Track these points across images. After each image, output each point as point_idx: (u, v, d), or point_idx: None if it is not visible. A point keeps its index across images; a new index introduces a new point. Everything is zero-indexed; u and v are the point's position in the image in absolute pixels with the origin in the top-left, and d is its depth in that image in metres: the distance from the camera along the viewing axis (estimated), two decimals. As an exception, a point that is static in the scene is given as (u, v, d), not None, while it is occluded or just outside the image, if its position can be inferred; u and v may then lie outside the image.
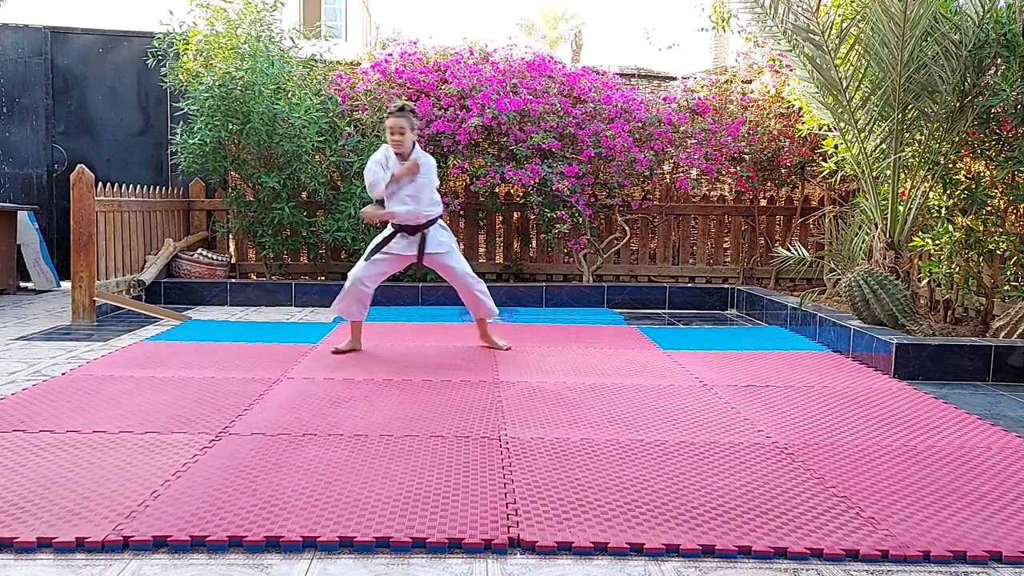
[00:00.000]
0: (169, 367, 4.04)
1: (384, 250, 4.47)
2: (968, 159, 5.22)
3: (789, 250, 5.69)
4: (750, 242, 7.59)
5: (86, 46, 7.57)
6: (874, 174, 5.01)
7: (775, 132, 6.97)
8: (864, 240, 5.22)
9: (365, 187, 6.42)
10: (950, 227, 5.12)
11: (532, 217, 7.34)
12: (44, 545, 2.06)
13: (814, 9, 4.88)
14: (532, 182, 6.65)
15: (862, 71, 4.86)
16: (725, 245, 7.77)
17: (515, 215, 7.54)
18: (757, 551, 2.07)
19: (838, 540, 2.14)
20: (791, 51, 5.06)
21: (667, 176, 7.60)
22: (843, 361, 4.50)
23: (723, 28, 7.38)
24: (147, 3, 9.06)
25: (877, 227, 5.04)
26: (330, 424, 3.08)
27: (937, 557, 2.07)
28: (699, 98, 7.22)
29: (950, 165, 5.02)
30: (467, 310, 4.74)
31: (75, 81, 7.57)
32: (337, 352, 4.47)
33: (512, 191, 7.40)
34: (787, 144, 6.93)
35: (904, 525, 2.24)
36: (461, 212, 7.43)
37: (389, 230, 4.51)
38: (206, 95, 6.31)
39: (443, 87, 6.86)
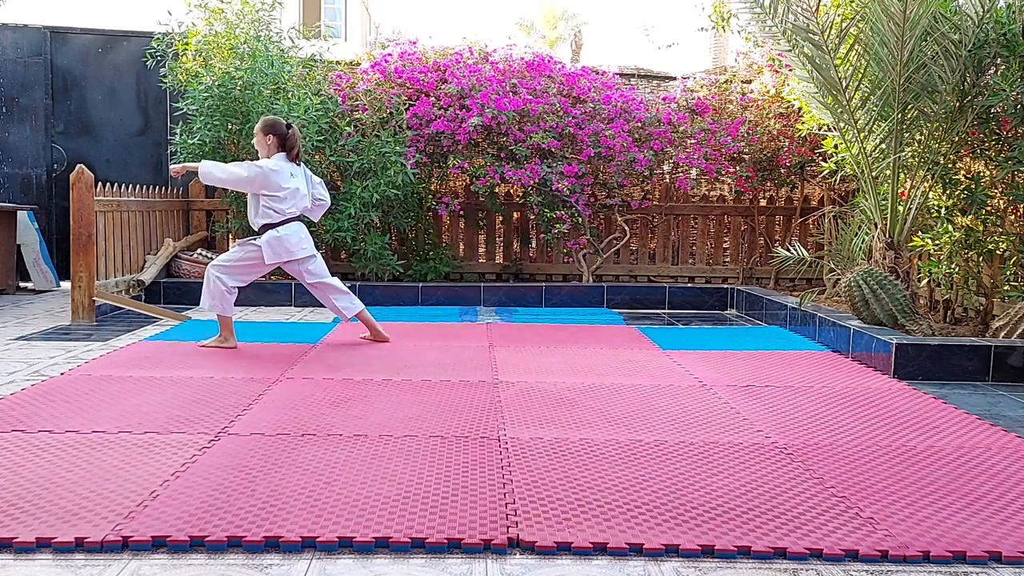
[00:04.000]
0: (168, 367, 4.04)
1: None
2: (968, 159, 5.22)
3: (789, 250, 5.69)
4: (750, 242, 7.59)
5: (85, 46, 7.57)
6: (874, 174, 5.01)
7: (775, 132, 6.97)
8: (864, 240, 5.22)
9: (365, 187, 6.47)
10: (950, 227, 5.11)
11: (532, 217, 7.34)
12: (43, 545, 2.06)
13: (814, 9, 4.88)
14: (532, 182, 6.65)
15: (862, 71, 4.86)
16: (725, 245, 7.76)
17: (515, 215, 7.54)
18: (756, 551, 2.07)
19: (838, 540, 2.13)
20: (791, 51, 5.06)
21: (667, 176, 7.59)
22: (843, 361, 4.49)
23: (723, 28, 7.38)
24: (147, 3, 9.06)
25: (877, 227, 5.04)
26: (329, 424, 3.07)
27: (937, 557, 2.07)
28: (699, 98, 7.22)
29: (950, 165, 5.02)
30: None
31: (74, 81, 7.57)
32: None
33: (512, 191, 7.40)
34: (787, 144, 6.93)
35: (904, 525, 2.24)
36: (461, 212, 7.43)
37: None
38: (205, 95, 6.31)
39: (443, 87, 6.86)
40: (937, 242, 5.20)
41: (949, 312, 5.33)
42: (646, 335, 5.25)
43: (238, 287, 4.62)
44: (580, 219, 6.97)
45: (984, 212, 4.93)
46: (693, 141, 7.07)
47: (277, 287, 6.58)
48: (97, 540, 2.05)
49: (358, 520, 2.19)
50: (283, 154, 4.56)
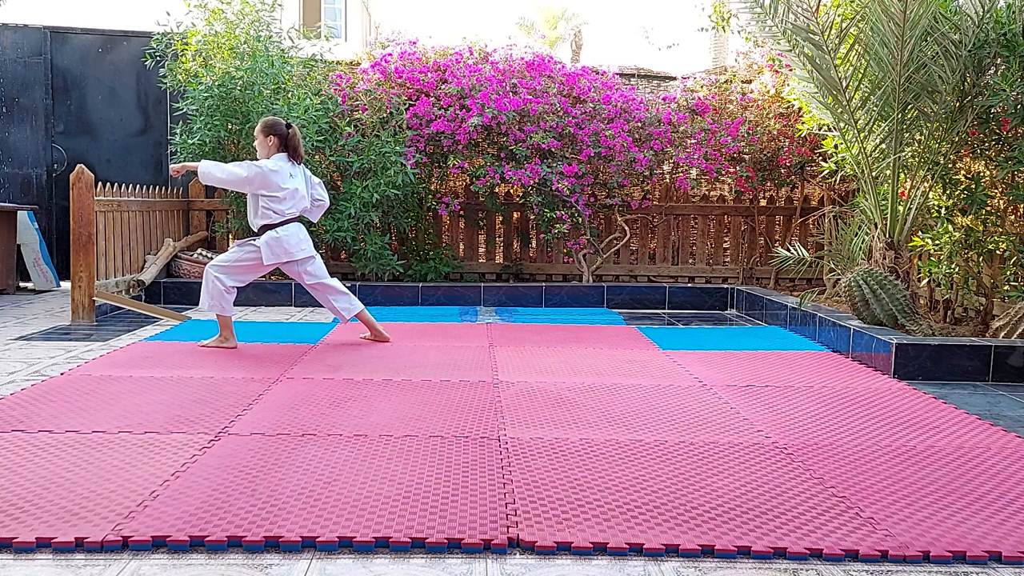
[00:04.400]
0: (168, 367, 4.04)
1: None
2: (968, 159, 5.22)
3: (789, 250, 5.69)
4: (750, 242, 7.59)
5: (85, 46, 7.57)
6: (874, 174, 5.01)
7: (775, 132, 6.97)
8: (864, 240, 5.21)
9: (365, 187, 6.47)
10: (950, 227, 5.12)
11: (532, 217, 7.34)
12: (43, 545, 2.06)
13: (814, 9, 4.88)
14: (532, 182, 6.65)
15: (862, 71, 4.86)
16: (725, 245, 7.76)
17: (515, 215, 7.54)
18: (756, 551, 2.07)
19: (838, 540, 2.13)
20: (791, 51, 5.06)
21: (667, 176, 7.60)
22: (843, 361, 4.49)
23: (723, 28, 7.38)
24: (147, 3, 9.06)
25: (877, 227, 5.04)
26: (329, 424, 3.07)
27: (936, 557, 2.07)
28: (699, 98, 7.22)
29: (950, 165, 5.02)
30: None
31: (75, 81, 7.57)
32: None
33: (512, 191, 7.40)
34: (787, 144, 6.93)
35: (904, 525, 2.24)
36: (461, 212, 7.43)
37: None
38: (205, 95, 6.31)
39: (443, 87, 6.86)
40: (937, 242, 5.20)
41: (949, 312, 5.33)
42: (646, 335, 5.25)
43: (237, 287, 4.62)
44: (580, 219, 6.97)
45: (984, 212, 4.93)
46: (693, 141, 7.07)
47: (277, 287, 6.58)
48: (97, 540, 2.05)
49: (358, 520, 2.19)
50: (283, 154, 4.57)
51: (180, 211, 7.17)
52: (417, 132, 6.75)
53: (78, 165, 5.48)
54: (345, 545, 2.09)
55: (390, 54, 7.09)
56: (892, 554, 2.07)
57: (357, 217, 6.50)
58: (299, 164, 4.65)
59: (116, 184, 6.17)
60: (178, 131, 6.50)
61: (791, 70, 5.64)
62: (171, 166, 4.59)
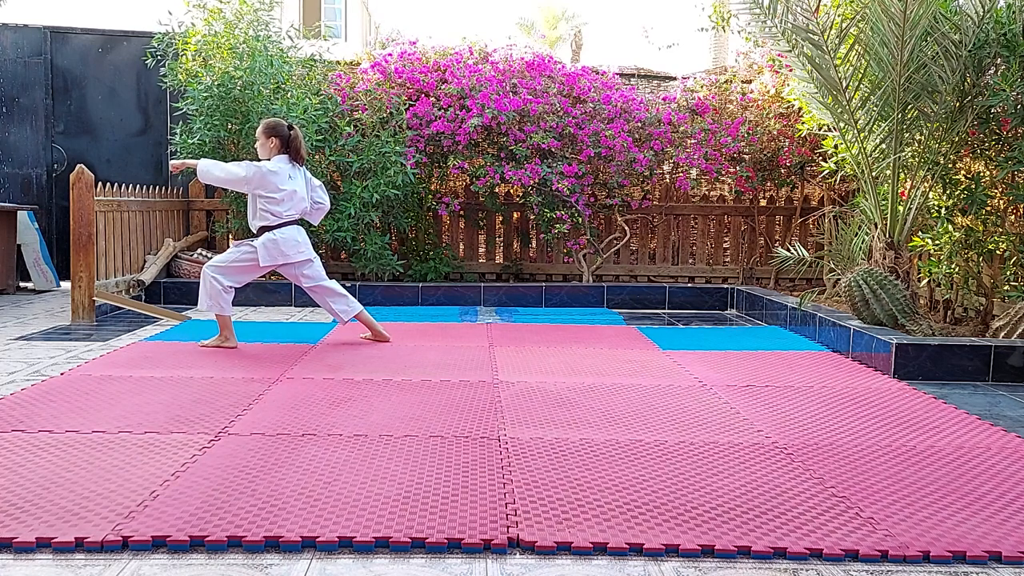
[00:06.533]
0: (168, 367, 4.04)
1: None
2: (968, 159, 5.22)
3: (789, 250, 5.69)
4: (750, 242, 7.59)
5: (85, 46, 7.57)
6: (874, 174, 5.01)
7: (775, 132, 6.97)
8: (864, 240, 5.21)
9: (365, 187, 6.47)
10: (950, 227, 5.12)
11: (532, 217, 7.34)
12: (43, 545, 2.06)
13: (814, 9, 4.88)
14: (532, 182, 6.65)
15: (862, 71, 4.86)
16: (725, 245, 7.76)
17: (515, 215, 7.54)
18: (756, 551, 2.07)
19: (838, 540, 2.14)
20: (791, 51, 5.06)
21: (667, 176, 7.59)
22: (843, 361, 4.49)
23: (723, 28, 7.38)
24: (147, 3, 9.06)
25: (877, 227, 5.04)
26: (329, 424, 3.07)
27: (937, 557, 2.07)
28: (699, 98, 7.21)
29: (950, 165, 5.02)
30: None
31: (75, 81, 7.57)
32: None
33: (512, 191, 7.40)
34: (787, 144, 6.93)
35: (904, 525, 2.24)
36: (461, 212, 7.43)
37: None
38: (205, 95, 6.31)
39: (443, 87, 6.86)
40: (937, 242, 5.20)
41: (949, 312, 5.33)
42: (646, 335, 5.25)
43: (234, 287, 4.62)
44: (580, 219, 6.97)
45: (984, 212, 4.93)
46: (693, 141, 7.07)
47: (277, 287, 6.58)
48: (97, 540, 2.05)
49: (358, 520, 2.19)
50: (284, 156, 4.57)
51: (180, 211, 7.17)
52: (417, 132, 6.75)
53: (78, 165, 5.48)
54: (345, 545, 2.09)
55: (390, 54, 7.09)
56: (892, 554, 2.07)
57: (357, 217, 6.50)
58: (300, 166, 4.65)
59: (116, 184, 6.17)
60: (178, 131, 6.50)
61: (791, 70, 5.64)
62: (171, 162, 4.60)
